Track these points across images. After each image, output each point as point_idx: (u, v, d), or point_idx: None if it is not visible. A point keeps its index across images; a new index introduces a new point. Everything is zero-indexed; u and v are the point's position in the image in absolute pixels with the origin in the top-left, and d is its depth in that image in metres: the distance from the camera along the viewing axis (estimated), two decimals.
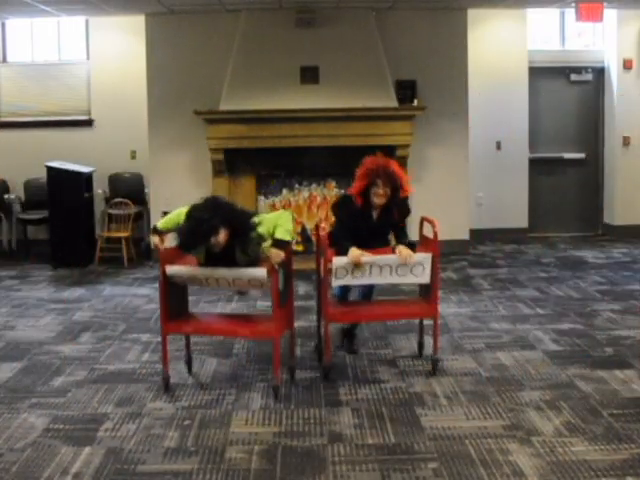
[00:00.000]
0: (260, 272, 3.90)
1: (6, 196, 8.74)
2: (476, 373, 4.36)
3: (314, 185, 8.05)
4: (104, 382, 4.27)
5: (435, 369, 4.34)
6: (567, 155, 9.28)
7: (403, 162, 7.78)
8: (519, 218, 9.11)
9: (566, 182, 9.36)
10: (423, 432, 3.51)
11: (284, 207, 8.02)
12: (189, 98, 7.79)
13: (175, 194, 8.05)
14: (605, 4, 7.64)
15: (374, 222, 4.47)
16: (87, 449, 3.38)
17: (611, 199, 9.20)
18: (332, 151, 7.69)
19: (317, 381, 4.22)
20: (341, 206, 4.53)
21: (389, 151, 7.67)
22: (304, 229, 8.08)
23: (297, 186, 8.05)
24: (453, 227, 7.97)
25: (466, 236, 8.20)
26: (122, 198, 8.28)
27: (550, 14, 9.00)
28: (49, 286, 6.98)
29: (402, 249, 4.22)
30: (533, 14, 8.92)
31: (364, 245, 4.22)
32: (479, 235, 8.73)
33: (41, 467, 3.20)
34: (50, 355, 4.81)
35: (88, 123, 8.95)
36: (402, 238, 4.44)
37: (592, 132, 9.31)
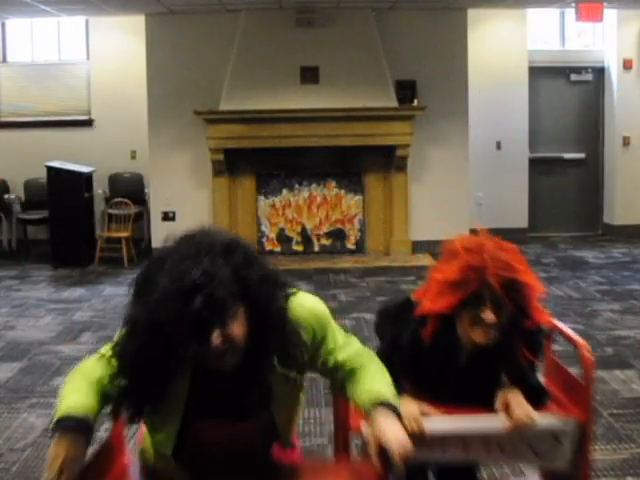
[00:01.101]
0: None
1: (6, 196, 8.74)
2: None
3: (314, 185, 8.05)
4: None
5: None
6: (567, 155, 9.27)
7: (403, 162, 7.82)
8: (519, 218, 9.10)
9: (566, 182, 9.36)
10: None
11: (284, 207, 8.04)
12: (189, 98, 7.79)
13: (175, 194, 8.08)
14: (605, 4, 7.64)
15: (462, 370, 2.14)
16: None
17: (611, 199, 9.20)
18: (332, 151, 7.70)
19: (316, 381, 4.22)
20: (395, 322, 2.22)
21: (389, 151, 7.73)
22: (304, 229, 8.09)
23: (297, 186, 8.05)
24: (453, 227, 7.94)
25: None
26: (122, 198, 8.27)
27: (550, 14, 9.00)
28: (49, 286, 6.98)
29: (513, 400, 2.03)
30: (533, 14, 8.92)
31: (437, 401, 2.10)
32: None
33: (41, 467, 3.19)
34: (50, 355, 4.81)
35: (88, 123, 8.95)
36: (521, 382, 2.10)
37: (592, 132, 9.30)
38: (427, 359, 2.13)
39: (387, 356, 2.07)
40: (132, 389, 1.65)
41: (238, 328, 1.58)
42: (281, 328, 1.68)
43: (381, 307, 2.39)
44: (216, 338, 1.54)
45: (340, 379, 1.85)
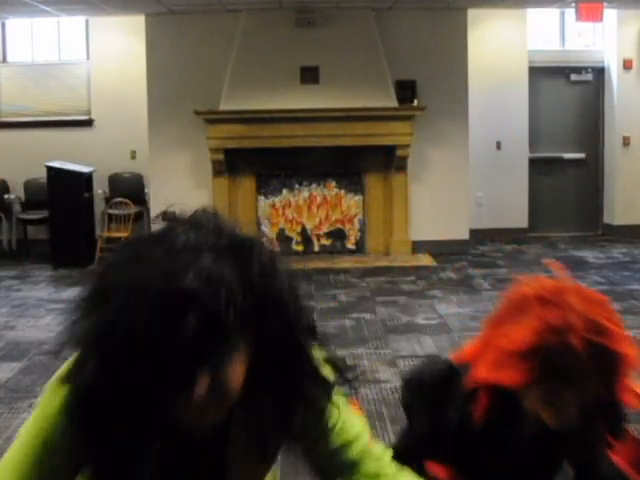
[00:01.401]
0: None
1: (6, 196, 8.74)
2: None
3: (314, 185, 8.05)
4: None
5: None
6: (567, 155, 9.27)
7: (403, 162, 7.82)
8: (519, 218, 9.10)
9: (566, 182, 9.36)
10: None
11: (284, 207, 8.04)
12: (189, 98, 7.79)
13: (175, 194, 8.06)
14: (605, 4, 7.64)
15: (519, 456, 1.59)
16: None
17: (611, 199, 9.20)
18: (332, 151, 7.70)
19: None
20: (434, 399, 1.63)
21: (389, 151, 7.73)
22: (304, 229, 8.09)
23: (297, 186, 8.05)
24: (453, 227, 7.97)
25: (466, 236, 8.20)
26: (122, 198, 8.27)
27: (550, 14, 9.00)
28: (49, 286, 6.98)
29: None
30: (533, 14, 8.92)
31: None
32: (479, 235, 8.72)
33: None
34: (50, 355, 4.81)
35: (88, 123, 8.94)
36: (594, 472, 1.64)
37: (592, 132, 9.30)
38: (477, 442, 1.58)
39: (424, 444, 1.62)
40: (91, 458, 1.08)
41: (236, 373, 1.03)
42: (299, 376, 1.14)
43: (412, 376, 1.75)
44: (201, 387, 0.98)
45: (341, 473, 1.30)
